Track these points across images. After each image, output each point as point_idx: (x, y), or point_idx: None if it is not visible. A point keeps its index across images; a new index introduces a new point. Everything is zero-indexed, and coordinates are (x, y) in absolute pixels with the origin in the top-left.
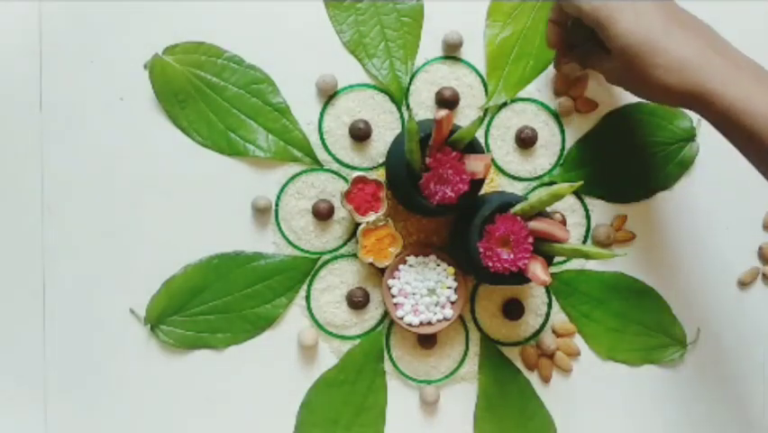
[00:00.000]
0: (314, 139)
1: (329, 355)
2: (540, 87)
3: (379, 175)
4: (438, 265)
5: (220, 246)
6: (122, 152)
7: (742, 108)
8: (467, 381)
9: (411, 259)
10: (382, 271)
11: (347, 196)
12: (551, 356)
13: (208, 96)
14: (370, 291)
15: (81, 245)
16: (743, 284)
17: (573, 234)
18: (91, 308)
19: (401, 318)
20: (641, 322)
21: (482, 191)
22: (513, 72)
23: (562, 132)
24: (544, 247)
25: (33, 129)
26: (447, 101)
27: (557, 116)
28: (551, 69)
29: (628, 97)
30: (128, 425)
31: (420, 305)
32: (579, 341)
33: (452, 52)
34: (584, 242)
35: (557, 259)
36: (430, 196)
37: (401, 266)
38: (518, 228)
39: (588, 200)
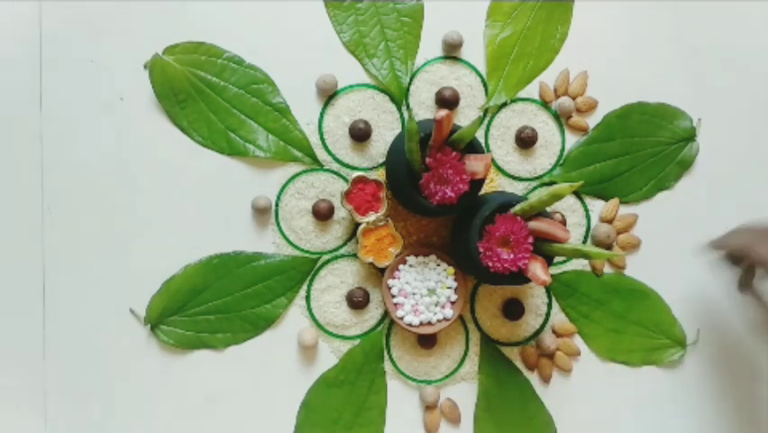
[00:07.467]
0: (314, 139)
1: (329, 355)
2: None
3: (379, 175)
4: (438, 265)
5: (220, 246)
6: (122, 152)
7: None
8: (467, 381)
9: (411, 259)
10: (382, 271)
11: (347, 196)
12: (551, 356)
13: (208, 96)
14: (370, 291)
15: (81, 245)
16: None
17: (573, 234)
18: (91, 308)
19: (401, 318)
20: (641, 323)
21: (482, 191)
22: (513, 72)
23: (562, 132)
24: (544, 247)
25: (33, 129)
26: (447, 101)
27: (557, 116)
28: (550, 70)
29: (628, 97)
30: (128, 425)
31: (420, 305)
32: (579, 341)
33: (452, 52)
34: (584, 242)
35: (557, 259)
36: (430, 196)
37: (401, 266)
38: (518, 228)
39: (588, 200)
